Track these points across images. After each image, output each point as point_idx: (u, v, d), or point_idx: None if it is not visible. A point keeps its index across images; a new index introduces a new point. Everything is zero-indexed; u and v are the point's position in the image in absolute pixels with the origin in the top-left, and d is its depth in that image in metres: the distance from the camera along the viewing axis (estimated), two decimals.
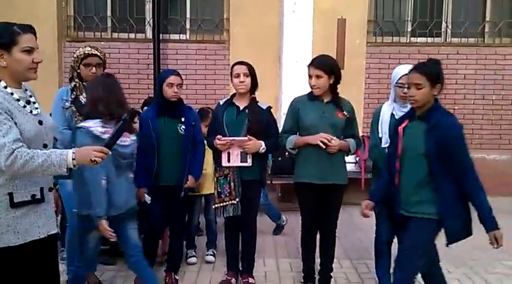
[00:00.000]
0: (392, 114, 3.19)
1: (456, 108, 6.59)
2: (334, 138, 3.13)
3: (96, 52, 3.20)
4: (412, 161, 2.53)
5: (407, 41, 6.70)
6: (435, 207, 2.50)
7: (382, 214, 3.24)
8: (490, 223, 2.45)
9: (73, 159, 1.99)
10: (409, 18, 6.69)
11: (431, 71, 2.49)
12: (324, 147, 3.11)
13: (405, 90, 3.05)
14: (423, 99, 2.50)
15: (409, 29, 6.70)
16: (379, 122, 3.22)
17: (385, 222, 3.24)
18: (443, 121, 2.48)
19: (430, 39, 6.71)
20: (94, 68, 3.18)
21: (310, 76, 3.20)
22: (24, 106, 2.08)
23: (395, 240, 3.29)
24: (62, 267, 3.32)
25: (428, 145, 2.45)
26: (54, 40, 6.42)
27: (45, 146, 2.12)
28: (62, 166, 1.97)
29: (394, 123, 3.14)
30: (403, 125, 2.61)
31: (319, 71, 3.15)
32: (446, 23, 6.68)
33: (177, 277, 3.58)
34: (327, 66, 3.15)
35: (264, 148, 3.26)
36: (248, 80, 3.34)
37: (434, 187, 2.50)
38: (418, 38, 6.70)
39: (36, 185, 2.07)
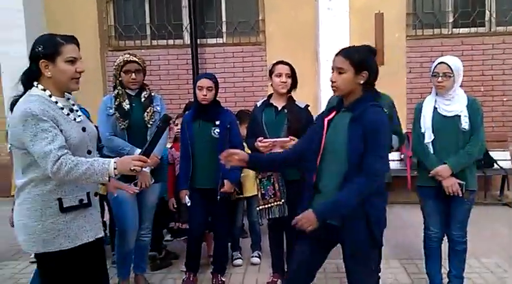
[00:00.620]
0: (435, 108, 3.09)
1: (505, 99, 6.32)
2: None
3: (134, 58, 3.27)
4: (335, 159, 2.22)
5: (449, 33, 6.48)
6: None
7: (431, 210, 3.16)
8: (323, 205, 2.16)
9: (114, 169, 2.03)
10: (450, 9, 6.46)
11: (356, 56, 2.20)
12: None
13: (439, 78, 3.00)
14: (345, 85, 2.20)
15: (451, 20, 6.48)
16: (422, 117, 3.12)
17: (436, 218, 3.16)
18: (368, 112, 2.16)
19: (473, 30, 6.46)
20: (133, 74, 3.25)
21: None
22: (68, 114, 2.15)
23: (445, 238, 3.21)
24: (113, 271, 3.44)
25: (351, 137, 2.16)
26: (96, 50, 6.64)
27: (89, 152, 2.19)
28: (104, 175, 2.02)
29: (438, 117, 3.06)
30: (330, 117, 2.30)
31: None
32: (490, 11, 6.42)
33: (223, 279, 3.61)
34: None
35: None
36: (289, 81, 3.33)
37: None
38: (461, 29, 6.48)
39: (83, 190, 2.14)
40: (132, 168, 2.06)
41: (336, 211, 2.18)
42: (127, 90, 3.30)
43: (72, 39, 2.16)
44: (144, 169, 3.13)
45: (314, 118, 3.40)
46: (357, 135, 2.13)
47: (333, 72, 2.27)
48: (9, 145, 2.20)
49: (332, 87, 2.25)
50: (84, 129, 2.19)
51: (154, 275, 3.81)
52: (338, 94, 2.27)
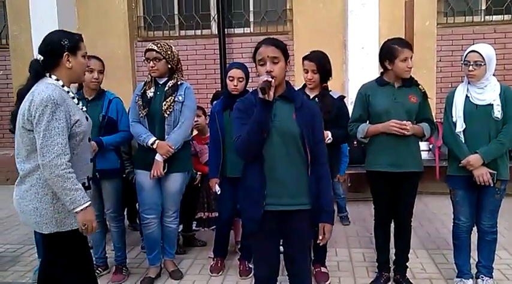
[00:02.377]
0: (467, 96, 3.04)
1: None
2: (405, 122, 3.02)
3: (153, 47, 3.29)
4: (282, 145, 2.24)
5: (482, 20, 6.32)
6: (307, 195, 2.30)
7: (461, 200, 3.13)
8: (327, 214, 2.32)
9: (81, 210, 2.20)
10: None
11: (283, 45, 2.28)
12: (402, 132, 3.02)
13: (470, 67, 2.96)
14: (281, 74, 2.25)
15: (483, 7, 6.31)
16: (453, 105, 3.08)
17: (466, 208, 3.13)
18: (307, 102, 2.35)
19: (506, 17, 6.27)
20: (152, 62, 3.29)
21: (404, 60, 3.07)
22: (77, 103, 2.35)
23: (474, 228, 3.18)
24: (143, 256, 3.53)
25: (299, 125, 2.25)
26: (126, 41, 6.75)
27: (89, 140, 2.42)
28: (72, 205, 2.18)
29: (470, 105, 3.02)
30: None
31: (410, 52, 3.06)
32: None
33: (250, 265, 3.65)
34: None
35: (330, 138, 3.19)
36: (316, 77, 3.29)
37: (307, 174, 2.28)
38: (494, 16, 6.30)
39: (84, 175, 2.34)
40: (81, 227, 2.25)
41: (333, 211, 2.38)
42: (157, 79, 3.37)
43: (82, 37, 2.38)
44: (156, 157, 3.28)
45: (347, 109, 3.41)
46: (306, 124, 2.27)
47: (263, 65, 2.25)
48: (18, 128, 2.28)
49: (271, 77, 2.20)
50: (87, 118, 2.40)
51: (183, 260, 3.90)
52: (276, 83, 2.22)
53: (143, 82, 3.44)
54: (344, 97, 3.41)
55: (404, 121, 3.02)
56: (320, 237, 2.32)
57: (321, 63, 3.30)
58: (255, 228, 2.30)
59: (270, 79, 2.17)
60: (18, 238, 4.60)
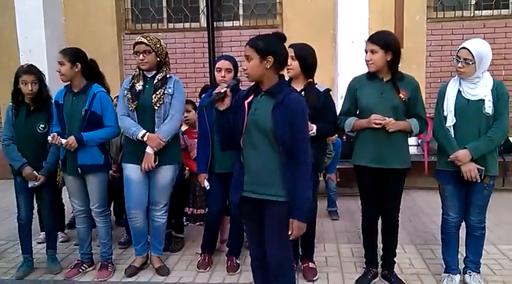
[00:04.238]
0: (459, 91, 3.02)
1: None
2: (385, 118, 2.98)
3: (142, 39, 3.26)
4: (257, 138, 2.34)
5: (472, 15, 6.33)
6: (282, 188, 2.32)
7: (450, 195, 3.12)
8: (298, 211, 2.29)
9: None
10: None
11: (260, 43, 2.31)
12: (380, 126, 3.00)
13: (459, 64, 2.94)
14: (253, 71, 2.32)
15: (473, 2, 6.32)
16: (445, 99, 3.06)
17: (455, 203, 3.12)
18: (290, 99, 2.30)
19: (496, 12, 6.29)
20: (141, 55, 3.26)
21: (366, 52, 3.08)
22: None
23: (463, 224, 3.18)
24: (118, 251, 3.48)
25: (275, 121, 2.28)
26: (113, 33, 6.66)
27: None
28: None
29: (462, 100, 3.00)
30: (249, 100, 2.40)
31: (374, 45, 3.01)
32: None
33: (238, 261, 3.63)
34: (382, 41, 3.00)
35: (313, 132, 3.11)
36: (295, 64, 3.20)
37: (280, 168, 2.32)
38: (483, 11, 6.31)
39: None
40: None
41: (307, 206, 2.34)
42: (145, 72, 3.33)
43: None
44: (147, 150, 3.24)
45: (333, 102, 3.38)
46: (282, 121, 2.27)
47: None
48: None
49: (245, 74, 2.38)
50: None
51: (169, 257, 3.86)
52: (250, 80, 2.38)
53: (131, 76, 3.40)
54: (330, 90, 3.35)
55: (383, 117, 2.98)
56: (289, 232, 2.32)
57: (300, 50, 3.20)
58: (235, 211, 2.53)
59: (222, 90, 2.34)
60: (3, 233, 4.53)
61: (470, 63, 2.91)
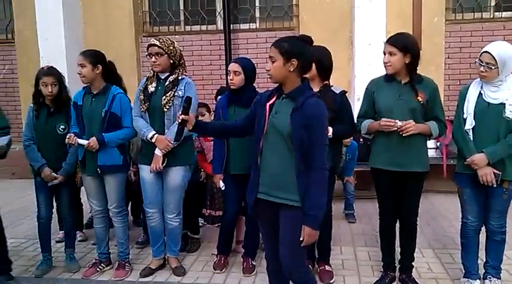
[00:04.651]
0: (480, 93, 2.98)
1: None
2: (396, 121, 2.94)
3: (154, 41, 3.29)
4: (275, 141, 2.32)
5: (491, 17, 6.22)
6: (297, 193, 2.28)
7: (468, 199, 3.07)
8: (311, 218, 2.25)
9: None
10: None
11: (285, 45, 2.29)
12: (395, 129, 2.96)
13: (481, 68, 2.90)
14: (276, 73, 2.31)
15: (493, 3, 6.22)
16: (465, 102, 3.02)
17: (474, 207, 3.07)
18: (308, 104, 2.26)
19: None
20: (154, 57, 3.29)
21: (384, 54, 3.06)
22: None
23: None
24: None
25: (293, 125, 2.25)
26: (131, 36, 6.73)
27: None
28: None
29: (482, 103, 2.96)
30: (271, 102, 2.39)
31: (392, 47, 2.98)
32: None
33: (254, 263, 3.63)
34: (401, 43, 2.97)
35: (330, 134, 3.04)
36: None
37: (295, 173, 2.28)
38: (503, 13, 6.20)
39: None
40: None
41: (321, 213, 2.28)
42: (159, 74, 3.36)
43: None
44: (155, 151, 3.26)
45: (349, 104, 3.36)
46: (299, 125, 2.24)
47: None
48: None
49: (268, 75, 2.37)
50: None
51: (186, 257, 3.88)
52: (273, 81, 2.38)
53: (145, 77, 3.44)
54: (346, 92, 3.32)
55: (395, 120, 2.95)
56: (300, 239, 2.28)
57: (315, 52, 3.06)
58: (251, 213, 2.52)
59: (179, 121, 2.48)
60: (22, 232, 4.60)
61: (493, 67, 2.86)
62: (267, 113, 2.36)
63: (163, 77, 3.35)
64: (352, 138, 4.44)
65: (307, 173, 2.25)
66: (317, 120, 2.26)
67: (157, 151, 3.30)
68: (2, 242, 3.37)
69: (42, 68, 3.62)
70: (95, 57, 3.37)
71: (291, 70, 2.29)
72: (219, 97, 3.83)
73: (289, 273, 2.43)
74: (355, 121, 3.29)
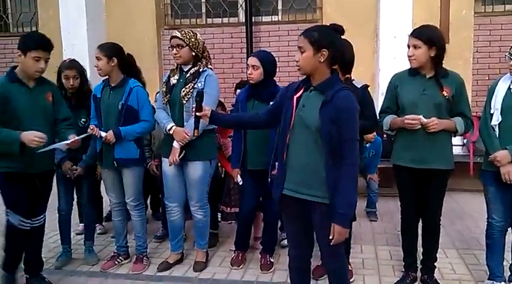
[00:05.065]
0: (509, 88, 2.85)
1: None
2: (421, 117, 2.84)
3: (176, 33, 3.26)
4: (302, 136, 2.24)
5: None
6: (325, 190, 2.21)
7: (493, 197, 2.96)
8: (341, 216, 2.17)
9: None
10: None
11: (315, 35, 2.18)
12: (416, 127, 2.87)
13: (511, 62, 2.77)
14: (306, 64, 2.21)
15: None
16: (493, 96, 2.90)
17: (499, 206, 2.96)
18: (339, 96, 2.16)
19: None
20: (175, 49, 3.26)
21: (408, 47, 2.96)
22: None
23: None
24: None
25: (322, 119, 2.16)
26: (153, 28, 6.72)
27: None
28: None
29: (509, 98, 2.83)
30: (298, 94, 2.29)
31: (416, 40, 2.88)
32: None
33: (272, 260, 3.59)
34: (425, 36, 2.86)
35: None
36: None
37: (324, 169, 2.19)
38: None
39: None
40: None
41: (352, 211, 2.25)
42: (182, 66, 3.34)
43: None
44: (174, 144, 3.24)
45: (372, 99, 3.26)
46: (329, 119, 2.15)
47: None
48: None
49: (296, 66, 2.28)
50: None
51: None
52: (302, 73, 2.28)
53: (170, 70, 3.44)
54: (368, 86, 3.22)
55: (419, 116, 2.85)
56: (330, 237, 2.22)
57: None
58: (275, 208, 2.53)
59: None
60: None
61: None
62: (294, 106, 2.28)
63: (185, 69, 3.33)
64: (375, 134, 4.34)
65: (337, 168, 2.16)
66: (348, 114, 2.17)
67: (175, 144, 3.27)
68: (39, 243, 3.33)
69: (64, 60, 3.63)
70: (110, 49, 3.36)
71: (321, 61, 2.20)
72: (238, 90, 3.77)
73: (327, 264, 2.46)
74: (377, 116, 3.19)
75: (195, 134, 2.69)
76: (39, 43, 2.91)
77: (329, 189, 2.19)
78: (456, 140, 3.21)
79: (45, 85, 3.07)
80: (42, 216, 3.19)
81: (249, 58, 3.43)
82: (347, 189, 2.17)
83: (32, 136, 2.75)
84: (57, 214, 3.68)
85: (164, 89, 3.35)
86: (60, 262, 3.62)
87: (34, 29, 7.28)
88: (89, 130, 3.31)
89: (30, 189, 3.03)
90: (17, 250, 3.09)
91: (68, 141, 3.01)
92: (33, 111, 2.94)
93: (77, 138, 3.07)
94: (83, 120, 3.55)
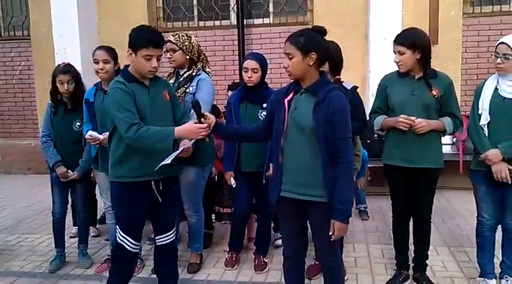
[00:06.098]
0: (496, 88, 2.90)
1: None
2: (415, 118, 2.89)
3: (170, 38, 3.28)
4: (297, 137, 2.29)
5: (510, 9, 6.05)
6: (323, 189, 2.27)
7: (483, 196, 3.01)
8: (340, 212, 2.25)
9: None
10: None
11: (301, 40, 2.24)
12: (408, 128, 2.92)
13: (498, 59, 2.82)
14: (296, 69, 2.27)
15: None
16: (481, 96, 2.95)
17: (489, 204, 3.01)
18: (331, 97, 2.22)
19: None
20: (169, 53, 3.28)
21: (394, 53, 3.01)
22: None
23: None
24: None
25: (317, 120, 2.22)
26: None
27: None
28: None
29: (498, 98, 2.88)
30: (288, 98, 2.33)
31: (400, 47, 2.93)
32: None
33: (265, 260, 3.61)
34: (408, 41, 2.91)
35: None
36: None
37: (321, 168, 2.25)
38: None
39: None
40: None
41: (350, 207, 2.30)
42: (179, 69, 3.36)
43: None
44: (185, 143, 3.22)
45: (361, 100, 3.30)
46: (323, 119, 2.21)
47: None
48: None
49: (287, 72, 2.32)
50: None
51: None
52: (292, 78, 2.33)
53: (167, 74, 3.45)
54: (357, 87, 3.26)
55: (413, 118, 2.90)
56: (330, 233, 2.28)
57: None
58: (273, 210, 2.54)
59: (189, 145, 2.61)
60: (36, 227, 4.66)
61: (510, 58, 2.78)
62: (286, 109, 2.32)
63: (181, 73, 3.34)
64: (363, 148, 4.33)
65: (333, 167, 2.23)
66: (340, 113, 2.24)
67: (187, 142, 3.25)
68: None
69: (59, 65, 3.63)
70: (115, 53, 3.39)
71: (311, 64, 2.25)
72: (230, 92, 3.79)
73: (331, 274, 2.48)
74: (368, 117, 3.24)
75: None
76: (149, 40, 2.57)
77: (327, 188, 2.25)
78: (446, 139, 3.26)
79: (161, 83, 2.82)
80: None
81: (247, 61, 3.41)
82: (344, 186, 2.24)
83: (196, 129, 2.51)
84: (51, 217, 3.68)
85: None
86: (54, 266, 3.62)
87: (26, 33, 7.27)
88: (87, 136, 3.31)
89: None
90: None
91: (178, 151, 2.65)
92: (155, 110, 2.68)
93: (187, 144, 2.70)
94: (77, 124, 3.56)
